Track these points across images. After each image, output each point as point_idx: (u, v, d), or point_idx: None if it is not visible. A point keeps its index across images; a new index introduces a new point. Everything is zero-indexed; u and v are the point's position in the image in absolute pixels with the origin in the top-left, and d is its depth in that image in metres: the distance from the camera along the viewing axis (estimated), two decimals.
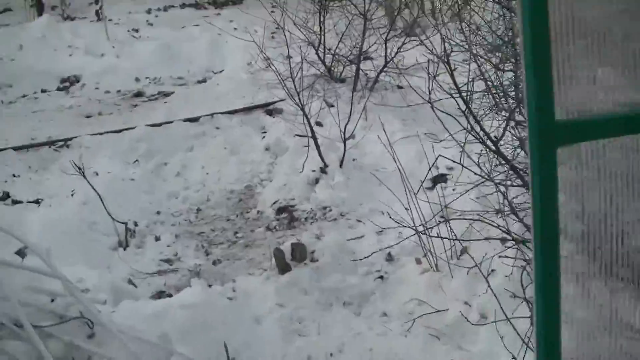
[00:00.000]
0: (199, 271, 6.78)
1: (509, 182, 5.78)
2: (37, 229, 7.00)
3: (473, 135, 5.50)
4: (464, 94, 5.48)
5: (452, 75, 5.40)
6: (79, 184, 7.71)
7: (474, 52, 6.42)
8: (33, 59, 12.59)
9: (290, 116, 9.32)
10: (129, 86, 11.90)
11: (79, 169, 7.25)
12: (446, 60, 5.43)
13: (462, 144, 6.16)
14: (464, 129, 5.60)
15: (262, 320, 5.94)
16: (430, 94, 5.79)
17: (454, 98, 5.47)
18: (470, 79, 5.93)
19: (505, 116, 5.91)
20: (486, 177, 5.79)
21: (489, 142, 5.38)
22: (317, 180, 8.12)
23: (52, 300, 5.08)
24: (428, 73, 5.88)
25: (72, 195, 7.88)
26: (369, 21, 10.30)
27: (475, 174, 5.85)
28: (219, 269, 6.85)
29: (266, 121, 9.76)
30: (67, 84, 12.13)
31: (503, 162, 5.49)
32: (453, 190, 6.98)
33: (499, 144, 5.36)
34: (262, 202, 8.06)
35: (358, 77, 10.18)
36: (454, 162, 5.98)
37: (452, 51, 6.36)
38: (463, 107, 5.42)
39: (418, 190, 6.48)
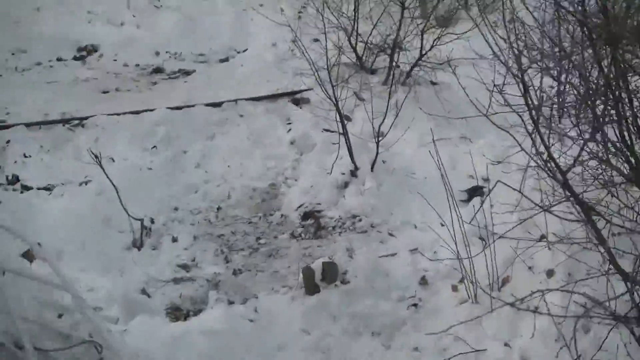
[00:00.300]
0: (218, 282, 6.33)
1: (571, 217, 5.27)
2: (48, 223, 6.60)
3: (536, 162, 5.00)
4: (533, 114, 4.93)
5: (525, 96, 4.84)
6: (93, 170, 7.26)
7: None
8: (50, 24, 12.12)
9: (318, 107, 8.81)
10: (149, 60, 11.45)
11: (96, 157, 6.78)
12: (520, 77, 4.85)
13: (524, 169, 5.69)
14: (525, 152, 5.12)
15: (286, 347, 5.50)
16: (489, 107, 5.25)
17: (521, 118, 4.94)
18: (543, 96, 5.40)
19: (578, 142, 5.37)
20: (545, 208, 5.29)
21: (554, 169, 4.86)
22: (346, 185, 7.64)
23: (60, 316, 4.63)
24: (497, 87, 5.32)
25: (86, 184, 7.47)
26: (407, 9, 9.74)
27: (533, 203, 5.34)
28: (239, 280, 6.39)
29: (292, 111, 9.26)
30: (84, 53, 11.68)
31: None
32: (491, 206, 6.45)
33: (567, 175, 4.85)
34: (286, 204, 7.60)
35: (392, 70, 9.66)
36: (513, 189, 5.47)
37: (529, 67, 5.84)
38: (530, 128, 4.89)
39: (470, 220, 5.91)
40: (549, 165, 4.91)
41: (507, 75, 5.28)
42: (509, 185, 5.44)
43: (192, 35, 12.17)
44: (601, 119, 5.07)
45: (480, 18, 5.51)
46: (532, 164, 5.58)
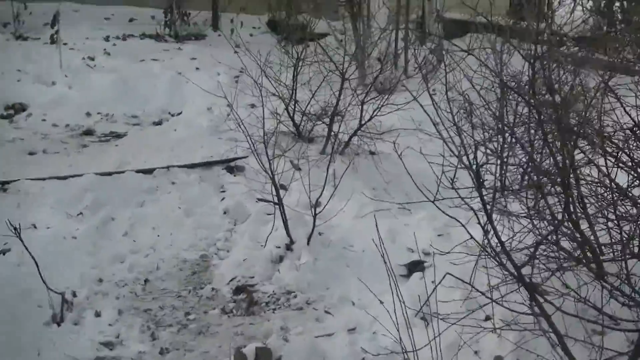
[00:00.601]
0: None
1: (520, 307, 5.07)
2: None
3: (488, 252, 4.78)
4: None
5: (479, 192, 4.59)
6: (13, 238, 6.75)
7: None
8: None
9: (252, 176, 8.56)
10: (79, 121, 11.11)
11: (15, 229, 6.34)
12: (475, 169, 4.61)
13: (475, 259, 5.48)
14: (478, 243, 4.89)
15: None
16: (437, 192, 5.00)
17: (473, 210, 4.69)
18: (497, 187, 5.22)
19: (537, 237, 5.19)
20: (495, 300, 5.07)
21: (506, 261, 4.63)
22: (281, 259, 7.30)
23: None
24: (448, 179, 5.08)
25: (3, 253, 7.02)
26: (347, 80, 9.60)
27: (484, 295, 5.12)
28: None
29: (226, 179, 9.00)
30: (12, 112, 11.28)
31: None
32: (432, 282, 6.20)
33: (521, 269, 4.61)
34: (218, 277, 7.22)
35: (329, 139, 9.46)
36: (463, 281, 5.23)
37: (486, 162, 5.66)
38: (482, 220, 4.67)
39: (416, 314, 5.62)
40: (500, 256, 4.70)
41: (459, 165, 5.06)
42: (458, 278, 5.21)
43: (125, 96, 11.89)
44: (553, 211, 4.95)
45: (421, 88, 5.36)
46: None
